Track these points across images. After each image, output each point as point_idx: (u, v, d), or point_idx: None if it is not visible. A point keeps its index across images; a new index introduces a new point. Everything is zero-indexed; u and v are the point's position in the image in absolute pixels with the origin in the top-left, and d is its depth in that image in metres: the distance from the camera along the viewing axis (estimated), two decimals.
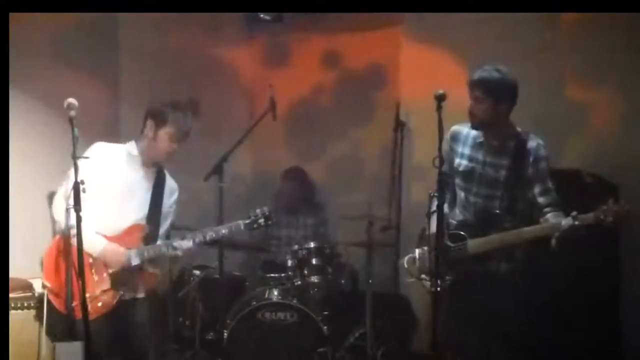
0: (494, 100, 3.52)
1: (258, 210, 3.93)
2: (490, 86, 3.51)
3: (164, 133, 3.67)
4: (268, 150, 6.20)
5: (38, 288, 4.35)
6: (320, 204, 5.77)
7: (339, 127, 6.17)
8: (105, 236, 3.66)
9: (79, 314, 3.34)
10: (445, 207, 3.63)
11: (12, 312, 3.93)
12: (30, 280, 4.38)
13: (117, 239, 3.68)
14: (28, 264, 4.43)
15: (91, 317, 3.39)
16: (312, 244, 4.95)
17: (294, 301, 4.65)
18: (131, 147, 3.77)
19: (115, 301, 3.62)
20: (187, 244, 3.71)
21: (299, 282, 4.82)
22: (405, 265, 3.81)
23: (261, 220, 3.91)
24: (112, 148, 3.76)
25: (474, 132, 3.65)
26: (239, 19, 5.96)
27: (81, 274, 3.22)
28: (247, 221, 3.89)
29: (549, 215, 3.49)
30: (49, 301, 3.64)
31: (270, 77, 5.74)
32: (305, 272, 4.84)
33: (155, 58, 5.57)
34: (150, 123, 3.70)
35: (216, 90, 6.08)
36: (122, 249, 3.64)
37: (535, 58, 5.05)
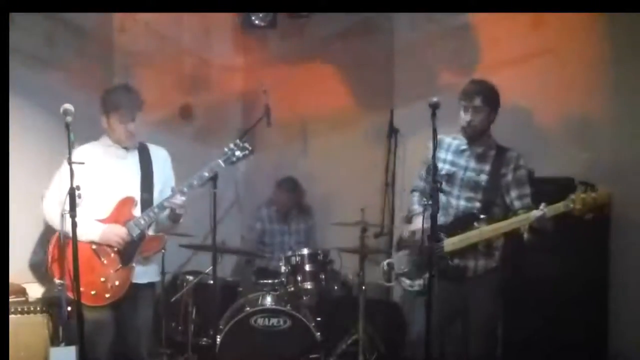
0: (490, 109, 3.70)
1: (232, 144, 3.82)
2: (488, 95, 3.68)
3: (114, 117, 3.72)
4: (262, 155, 6.19)
5: (32, 293, 4.36)
6: (311, 209, 5.78)
7: None
8: (98, 219, 3.68)
9: (96, 300, 3.59)
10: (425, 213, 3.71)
11: None
12: (24, 285, 4.39)
13: (110, 218, 3.70)
14: (21, 269, 4.45)
15: (112, 298, 3.63)
16: (305, 251, 4.96)
17: (287, 307, 4.66)
18: (105, 140, 3.82)
19: (131, 276, 3.68)
20: (180, 198, 3.70)
21: (292, 289, 4.83)
22: (385, 268, 4.01)
23: (238, 153, 3.79)
24: (92, 146, 3.79)
25: (456, 141, 3.82)
26: (234, 24, 5.98)
27: (76, 279, 3.22)
28: (224, 157, 3.78)
29: (519, 212, 3.65)
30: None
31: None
32: (299, 278, 4.85)
33: (150, 63, 5.59)
34: (103, 118, 3.77)
35: (210, 94, 6.10)
36: (119, 226, 3.67)
37: None
